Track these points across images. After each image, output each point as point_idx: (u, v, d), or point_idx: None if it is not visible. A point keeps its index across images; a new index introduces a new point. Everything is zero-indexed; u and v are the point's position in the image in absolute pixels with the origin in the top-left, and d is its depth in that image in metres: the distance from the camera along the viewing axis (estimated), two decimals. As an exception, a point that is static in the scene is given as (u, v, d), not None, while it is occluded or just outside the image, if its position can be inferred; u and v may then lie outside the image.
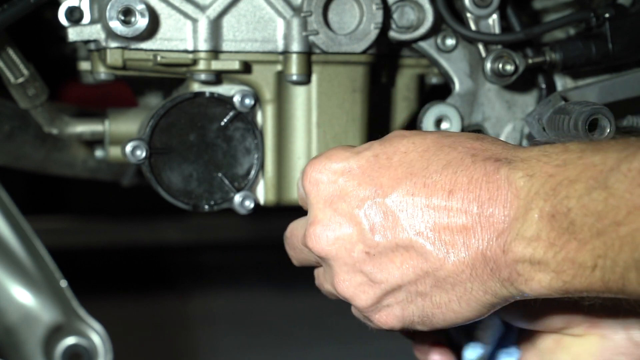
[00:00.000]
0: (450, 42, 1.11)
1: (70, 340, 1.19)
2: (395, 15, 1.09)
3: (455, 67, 1.11)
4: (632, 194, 0.72)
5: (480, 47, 1.09)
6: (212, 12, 1.04)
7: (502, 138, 1.12)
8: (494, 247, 0.80)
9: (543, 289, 0.79)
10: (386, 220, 0.85)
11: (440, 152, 0.85)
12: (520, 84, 1.10)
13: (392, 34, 1.09)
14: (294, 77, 1.05)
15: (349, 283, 0.88)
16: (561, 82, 1.13)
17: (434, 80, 1.17)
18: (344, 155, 0.89)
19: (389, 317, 0.88)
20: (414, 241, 0.83)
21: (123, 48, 1.03)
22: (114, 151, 1.20)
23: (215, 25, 1.04)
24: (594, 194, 0.74)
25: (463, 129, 1.10)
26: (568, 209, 0.75)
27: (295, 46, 1.05)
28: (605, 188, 0.74)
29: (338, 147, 0.90)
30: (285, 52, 1.05)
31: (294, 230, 0.95)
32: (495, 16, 1.08)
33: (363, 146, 0.89)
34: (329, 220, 0.87)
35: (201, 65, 1.04)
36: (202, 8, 1.04)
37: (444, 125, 1.10)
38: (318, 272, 0.96)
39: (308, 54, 1.05)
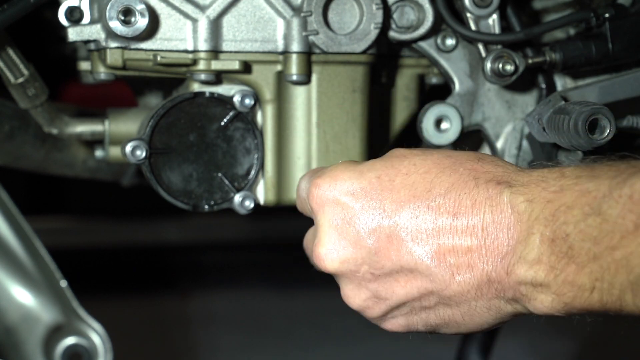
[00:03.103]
0: (450, 42, 1.11)
1: (70, 340, 1.19)
2: (395, 15, 1.09)
3: (455, 67, 1.11)
4: (624, 219, 0.76)
5: (480, 47, 1.09)
6: (212, 12, 1.04)
7: (502, 138, 1.12)
8: (499, 269, 0.83)
9: (545, 309, 0.82)
10: (390, 244, 0.86)
11: (442, 175, 0.86)
12: (520, 84, 1.10)
13: (392, 34, 1.09)
14: (294, 77, 1.05)
15: (356, 298, 0.91)
16: (561, 82, 1.13)
17: (434, 80, 1.17)
18: (347, 176, 0.90)
19: (394, 325, 0.92)
20: (418, 263, 0.85)
21: (123, 48, 1.03)
22: (114, 151, 1.20)
23: (215, 25, 1.04)
24: (589, 219, 0.77)
25: (463, 129, 1.10)
26: (566, 234, 0.78)
27: (295, 46, 1.05)
28: (599, 214, 0.77)
29: (341, 166, 0.91)
30: (285, 52, 1.05)
31: (307, 242, 0.97)
32: (495, 16, 1.08)
33: (366, 166, 0.90)
34: (334, 243, 0.89)
35: (201, 65, 1.04)
36: (202, 8, 1.04)
37: (444, 125, 1.10)
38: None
39: (308, 54, 1.05)
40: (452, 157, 0.88)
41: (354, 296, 0.91)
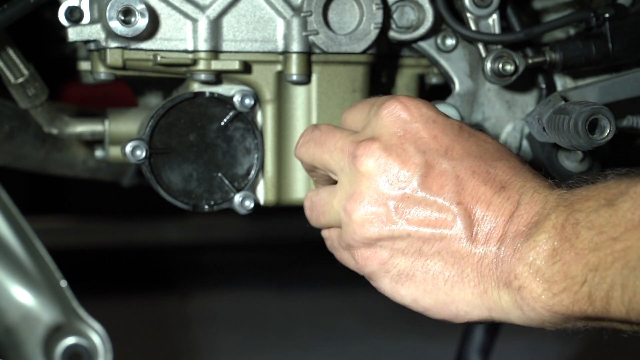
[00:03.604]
0: (450, 42, 1.11)
1: (70, 340, 1.19)
2: (395, 15, 1.09)
3: (455, 67, 1.11)
4: (633, 213, 0.78)
5: (480, 47, 1.09)
6: (212, 12, 1.04)
7: (502, 138, 1.12)
8: (509, 244, 0.84)
9: (532, 300, 0.82)
10: (441, 177, 0.88)
11: (508, 156, 0.90)
12: (520, 84, 1.10)
13: (392, 34, 1.09)
14: (294, 77, 1.05)
15: (366, 209, 0.89)
16: (561, 82, 1.13)
17: (434, 80, 1.17)
18: (433, 108, 0.91)
19: (372, 257, 0.90)
20: (454, 206, 0.87)
21: (123, 48, 1.03)
22: (114, 151, 1.20)
23: (215, 25, 1.04)
24: (601, 210, 0.80)
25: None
26: (577, 221, 0.81)
27: (295, 46, 1.05)
28: (612, 206, 0.80)
29: (423, 101, 0.92)
30: (285, 52, 1.05)
31: (320, 196, 0.95)
32: (495, 16, 1.08)
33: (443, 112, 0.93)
34: (394, 145, 0.89)
35: (201, 65, 1.04)
36: (202, 8, 1.04)
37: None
38: (326, 192, 0.95)
39: (308, 54, 1.05)
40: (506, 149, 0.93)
41: (368, 206, 0.89)
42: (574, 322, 0.83)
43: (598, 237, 0.79)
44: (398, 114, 0.90)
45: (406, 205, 0.88)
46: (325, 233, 0.98)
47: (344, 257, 0.95)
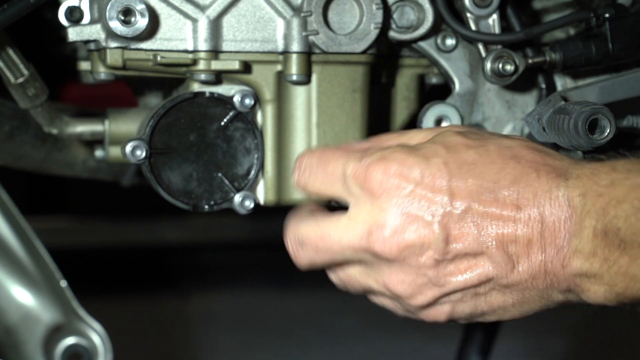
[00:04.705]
0: (450, 42, 1.11)
1: (70, 340, 1.19)
2: (395, 15, 1.09)
3: (455, 67, 1.11)
4: None
5: (480, 47, 1.09)
6: (212, 12, 1.04)
7: (502, 138, 1.12)
8: (555, 262, 0.87)
9: (598, 299, 0.87)
10: (458, 230, 0.88)
11: (506, 167, 0.89)
12: (520, 84, 1.10)
13: (392, 34, 1.09)
14: (294, 77, 1.05)
15: (409, 285, 0.91)
16: (561, 82, 1.13)
17: (434, 80, 1.17)
18: (413, 162, 0.90)
19: (437, 313, 0.93)
20: (484, 250, 0.88)
21: (123, 48, 1.03)
22: (114, 151, 1.20)
23: (215, 25, 1.04)
24: (639, 214, 0.83)
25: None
26: (617, 229, 0.83)
27: (295, 46, 1.05)
28: None
29: (400, 150, 0.91)
30: (285, 52, 1.05)
31: (329, 233, 0.93)
32: (495, 16, 1.08)
33: (427, 150, 0.90)
34: (402, 225, 0.89)
35: (201, 65, 1.04)
36: (202, 8, 1.04)
37: (444, 125, 1.10)
38: (348, 272, 0.95)
39: (308, 54, 1.05)
40: (511, 148, 0.90)
41: (405, 282, 0.91)
42: None
43: None
44: (389, 185, 0.89)
45: (444, 268, 0.89)
46: (342, 275, 0.97)
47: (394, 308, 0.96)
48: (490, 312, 0.92)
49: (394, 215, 0.89)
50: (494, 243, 0.87)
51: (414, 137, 0.96)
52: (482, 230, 0.88)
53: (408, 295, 0.91)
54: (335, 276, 0.98)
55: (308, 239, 0.94)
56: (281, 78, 1.06)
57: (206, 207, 1.08)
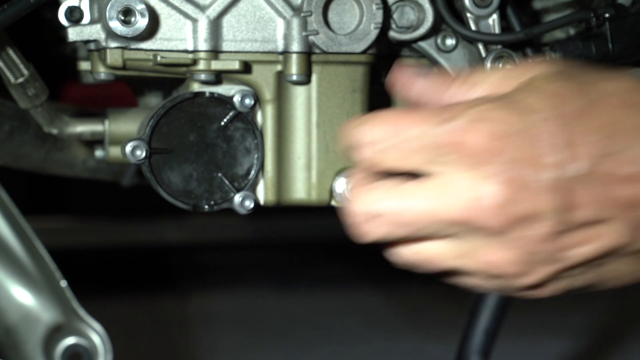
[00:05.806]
0: (450, 42, 1.11)
1: (70, 340, 1.19)
2: (395, 15, 1.09)
3: (455, 67, 1.11)
4: None
5: (480, 47, 1.09)
6: (212, 12, 1.04)
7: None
8: None
9: None
10: (580, 196, 0.76)
11: (627, 118, 0.78)
12: (520, 84, 1.10)
13: (392, 34, 1.09)
14: (294, 77, 1.05)
15: (518, 262, 0.78)
16: (561, 82, 1.12)
17: (434, 80, 1.17)
18: (518, 118, 0.77)
19: (550, 290, 0.82)
20: (615, 214, 0.77)
21: (123, 48, 1.03)
22: (114, 151, 1.20)
23: (215, 25, 1.04)
24: None
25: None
26: None
27: (295, 46, 1.05)
28: None
29: (494, 106, 0.77)
30: (285, 52, 1.05)
31: (417, 203, 0.78)
32: (495, 16, 1.08)
33: (528, 102, 0.77)
34: (512, 194, 0.76)
35: (201, 65, 1.04)
36: (202, 8, 1.04)
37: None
38: (430, 248, 0.81)
39: (308, 54, 1.05)
40: (628, 91, 0.79)
41: (512, 259, 0.78)
42: None
43: None
44: (499, 145, 0.76)
45: (565, 240, 0.78)
46: (418, 249, 0.82)
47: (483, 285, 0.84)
48: (607, 280, 0.81)
49: (502, 182, 0.75)
50: (624, 207, 0.76)
51: (489, 81, 0.83)
52: (607, 193, 0.76)
53: (515, 273, 0.79)
54: (407, 253, 0.82)
55: (387, 211, 0.79)
56: (281, 78, 1.06)
57: (206, 207, 1.08)
